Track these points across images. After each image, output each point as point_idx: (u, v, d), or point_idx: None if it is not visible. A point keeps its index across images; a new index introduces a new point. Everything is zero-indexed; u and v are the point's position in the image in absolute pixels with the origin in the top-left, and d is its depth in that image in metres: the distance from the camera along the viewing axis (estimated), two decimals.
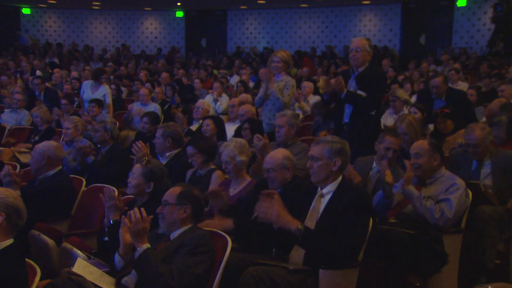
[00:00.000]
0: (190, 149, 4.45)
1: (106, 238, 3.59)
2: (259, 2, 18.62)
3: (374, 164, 4.26)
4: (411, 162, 3.82)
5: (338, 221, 3.10)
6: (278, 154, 3.78)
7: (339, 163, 3.23)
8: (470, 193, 3.85)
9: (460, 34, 16.83)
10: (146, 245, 2.97)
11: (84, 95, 7.73)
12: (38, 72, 10.33)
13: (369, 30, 17.50)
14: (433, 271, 3.63)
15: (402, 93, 6.65)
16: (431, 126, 5.84)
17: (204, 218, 3.43)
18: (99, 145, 5.64)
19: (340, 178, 3.28)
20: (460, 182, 3.79)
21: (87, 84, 7.87)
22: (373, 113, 4.86)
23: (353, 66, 4.98)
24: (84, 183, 4.62)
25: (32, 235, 3.78)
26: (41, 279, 2.75)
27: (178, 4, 19.72)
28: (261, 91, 5.60)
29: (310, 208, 3.29)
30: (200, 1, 18.17)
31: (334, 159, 3.22)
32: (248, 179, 4.13)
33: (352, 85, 4.91)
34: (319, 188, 3.32)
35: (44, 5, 20.49)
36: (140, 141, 4.59)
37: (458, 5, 17.12)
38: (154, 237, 3.20)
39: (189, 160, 4.48)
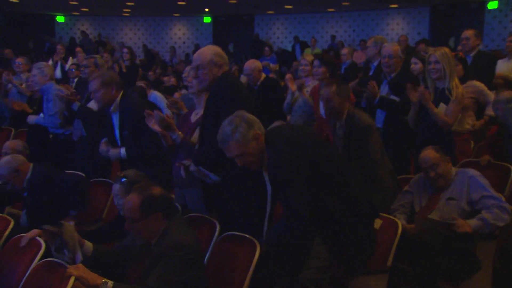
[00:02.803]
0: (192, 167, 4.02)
1: None
2: (286, 7, 18.59)
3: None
4: (432, 175, 3.73)
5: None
6: (207, 51, 3.54)
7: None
8: None
9: (491, 37, 16.46)
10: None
11: None
12: (71, 60, 10.39)
13: (396, 34, 17.28)
14: (464, 276, 3.53)
15: None
16: None
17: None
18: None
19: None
20: (471, 171, 3.75)
21: None
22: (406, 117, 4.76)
23: (385, 72, 4.93)
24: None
25: None
26: None
27: (206, 9, 19.85)
28: (288, 97, 5.54)
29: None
30: (227, 6, 18.23)
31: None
32: None
33: (384, 90, 4.86)
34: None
35: (77, 13, 20.89)
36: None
37: (489, 8, 16.77)
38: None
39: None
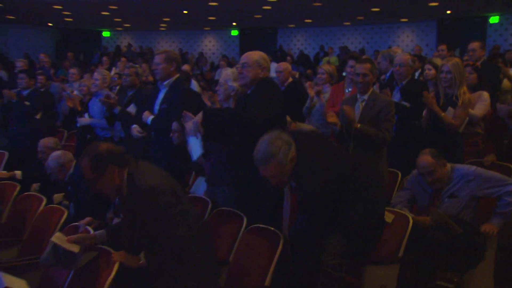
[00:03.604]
0: (175, 125, 4.02)
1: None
2: (306, 21, 18.56)
3: (358, 96, 4.13)
4: (429, 180, 3.58)
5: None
6: (255, 53, 3.56)
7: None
8: None
9: None
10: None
11: None
12: (113, 70, 10.54)
13: (406, 45, 17.12)
14: (470, 266, 3.45)
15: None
16: None
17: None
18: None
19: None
20: (466, 167, 3.62)
21: None
22: (416, 122, 4.70)
23: (397, 80, 4.90)
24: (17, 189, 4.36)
25: None
26: None
27: (234, 24, 19.89)
28: (308, 102, 5.53)
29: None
30: (253, 20, 18.26)
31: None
32: None
33: (396, 97, 4.81)
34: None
35: (121, 28, 21.25)
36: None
37: (490, 22, 16.62)
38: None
39: (170, 135, 4.06)
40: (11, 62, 12.48)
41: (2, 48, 19.04)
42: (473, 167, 3.60)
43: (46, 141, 4.81)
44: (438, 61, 6.31)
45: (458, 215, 3.51)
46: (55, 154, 4.29)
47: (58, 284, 2.90)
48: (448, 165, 3.62)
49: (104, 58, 11.69)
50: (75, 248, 2.72)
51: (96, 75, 5.85)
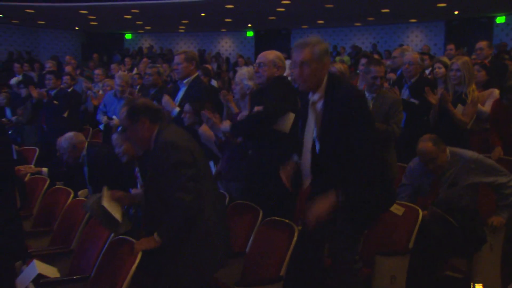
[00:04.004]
0: (186, 107, 4.03)
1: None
2: (318, 22, 18.47)
3: (367, 94, 4.03)
4: (430, 168, 3.45)
5: (343, 125, 2.56)
6: (271, 53, 3.51)
7: (328, 62, 2.68)
8: None
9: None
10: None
11: None
12: (135, 70, 10.63)
13: (415, 45, 16.94)
14: (474, 250, 3.42)
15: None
16: None
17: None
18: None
19: (325, 78, 2.65)
20: (468, 154, 3.49)
21: None
22: (425, 118, 4.66)
23: (406, 77, 4.86)
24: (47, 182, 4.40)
25: None
26: None
27: (249, 25, 19.85)
28: None
29: (308, 119, 2.72)
30: (267, 22, 18.21)
31: (323, 60, 2.63)
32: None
33: (405, 94, 4.78)
34: (309, 95, 2.72)
35: (142, 31, 21.36)
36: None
37: (497, 22, 16.37)
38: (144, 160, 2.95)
39: (182, 116, 4.05)
40: (41, 64, 12.63)
41: (33, 50, 19.34)
42: (475, 154, 3.50)
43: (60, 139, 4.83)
44: (446, 60, 6.26)
45: (459, 202, 3.45)
46: (67, 135, 4.31)
47: (86, 271, 2.94)
48: (447, 150, 3.50)
49: (127, 59, 11.76)
50: (118, 217, 2.79)
51: (119, 81, 5.86)
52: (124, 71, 10.21)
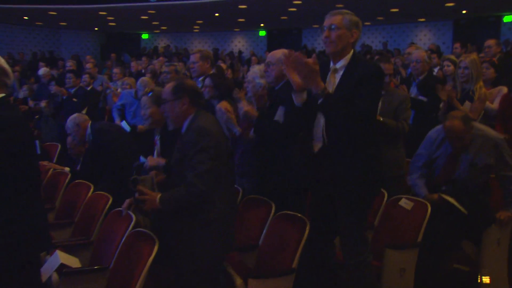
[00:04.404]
0: (207, 80, 4.04)
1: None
2: None
3: None
4: (454, 145, 3.34)
5: (354, 92, 2.62)
6: (279, 52, 3.46)
7: (356, 35, 2.72)
8: None
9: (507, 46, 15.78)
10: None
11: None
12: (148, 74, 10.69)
13: (424, 44, 16.74)
14: (481, 229, 3.40)
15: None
16: None
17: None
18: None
19: (351, 52, 2.74)
20: (493, 136, 3.39)
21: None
22: (434, 115, 4.62)
23: (414, 75, 4.81)
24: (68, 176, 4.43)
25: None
26: None
27: (262, 25, 19.80)
28: None
29: (325, 83, 2.74)
30: (279, 22, 18.15)
31: (352, 30, 2.70)
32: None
33: (413, 92, 4.73)
34: (331, 64, 2.79)
35: (158, 31, 21.40)
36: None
37: (504, 21, 16.12)
38: (171, 135, 2.97)
39: (202, 89, 4.00)
40: (62, 63, 12.76)
41: (55, 50, 19.58)
42: (499, 136, 3.41)
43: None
44: (454, 58, 6.19)
45: (474, 183, 3.41)
46: (72, 116, 4.43)
47: (105, 262, 2.96)
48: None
49: (143, 59, 11.79)
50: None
51: (142, 85, 5.83)
52: (141, 70, 10.26)
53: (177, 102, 2.76)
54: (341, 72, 2.73)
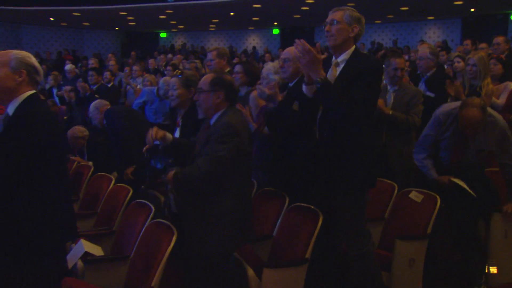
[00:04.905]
0: (238, 67, 3.95)
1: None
2: None
3: (389, 87, 3.98)
4: (468, 133, 3.22)
5: (352, 85, 2.60)
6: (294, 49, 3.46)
7: (357, 30, 2.70)
8: None
9: None
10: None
11: None
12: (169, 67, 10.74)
13: (433, 41, 16.50)
14: (491, 209, 3.36)
15: None
16: None
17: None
18: None
19: (353, 47, 2.73)
20: (500, 121, 3.27)
21: None
22: None
23: (420, 72, 4.76)
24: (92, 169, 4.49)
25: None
26: None
27: (275, 23, 19.72)
28: None
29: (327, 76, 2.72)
30: (292, 20, 18.07)
31: (352, 25, 2.70)
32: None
33: (421, 88, 4.67)
34: (333, 58, 2.78)
35: (175, 30, 21.44)
36: None
37: (511, 18, 15.86)
38: (194, 118, 2.93)
39: (233, 76, 3.96)
40: (85, 62, 12.88)
41: (78, 49, 19.79)
42: (506, 126, 3.30)
43: (72, 131, 4.96)
44: (463, 55, 6.08)
45: (482, 167, 3.39)
46: (94, 101, 4.66)
47: (126, 251, 2.98)
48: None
49: (162, 57, 11.82)
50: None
51: (164, 85, 5.83)
52: (157, 66, 10.30)
53: (212, 94, 2.70)
54: (341, 66, 2.73)
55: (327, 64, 2.78)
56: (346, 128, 2.66)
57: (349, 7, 2.74)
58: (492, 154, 3.40)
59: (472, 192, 3.23)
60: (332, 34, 2.70)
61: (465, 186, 3.25)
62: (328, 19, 2.74)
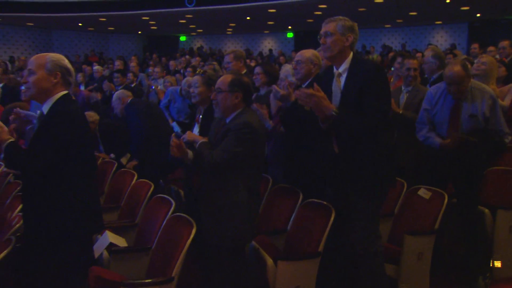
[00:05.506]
0: (257, 69, 3.91)
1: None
2: None
3: (403, 87, 3.95)
4: (453, 91, 3.23)
5: (361, 95, 2.52)
6: (308, 51, 3.37)
7: (351, 39, 2.65)
8: None
9: None
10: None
11: None
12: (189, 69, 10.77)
13: (440, 45, 16.34)
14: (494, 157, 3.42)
15: None
16: None
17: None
18: None
19: (351, 55, 2.66)
20: (488, 91, 3.29)
21: None
22: None
23: (427, 74, 4.71)
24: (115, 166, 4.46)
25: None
26: None
27: (289, 27, 19.65)
28: None
29: (332, 90, 2.67)
30: (306, 24, 17.93)
31: (346, 34, 2.64)
32: None
33: None
34: (334, 69, 2.71)
35: (195, 33, 21.52)
36: None
37: None
38: (217, 121, 2.88)
39: (253, 78, 3.92)
40: (112, 65, 13.03)
41: (103, 52, 20.05)
42: (494, 93, 3.33)
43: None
44: (470, 59, 6.00)
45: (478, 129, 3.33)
46: (117, 91, 4.80)
47: (148, 243, 2.99)
48: (471, 80, 3.31)
49: (182, 59, 11.86)
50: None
51: (187, 85, 5.81)
52: (179, 69, 10.35)
53: (231, 95, 2.65)
54: (344, 75, 2.65)
55: (328, 76, 2.72)
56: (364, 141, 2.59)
57: (341, 17, 2.68)
58: (487, 120, 3.30)
59: (475, 140, 3.17)
60: (328, 46, 2.64)
61: (470, 137, 3.19)
62: (322, 32, 2.67)
